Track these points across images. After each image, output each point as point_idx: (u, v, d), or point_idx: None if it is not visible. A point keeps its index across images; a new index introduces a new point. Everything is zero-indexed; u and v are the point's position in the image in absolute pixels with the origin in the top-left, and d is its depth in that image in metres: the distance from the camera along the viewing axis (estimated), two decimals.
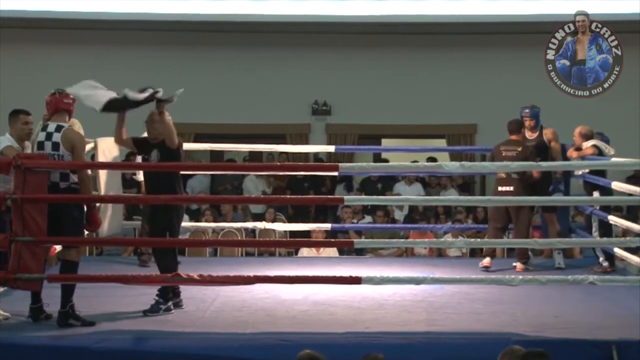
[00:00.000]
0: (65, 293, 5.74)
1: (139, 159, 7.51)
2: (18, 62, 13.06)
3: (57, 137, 5.75)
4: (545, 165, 7.21)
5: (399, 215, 11.64)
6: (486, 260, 7.82)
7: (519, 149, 7.85)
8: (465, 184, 13.01)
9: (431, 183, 12.54)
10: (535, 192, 7.82)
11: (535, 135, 8.10)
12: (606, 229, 7.75)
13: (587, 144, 7.85)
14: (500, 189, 7.85)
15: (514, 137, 8.02)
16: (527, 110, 8.12)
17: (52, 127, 5.81)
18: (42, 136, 5.81)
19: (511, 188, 7.78)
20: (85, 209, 5.94)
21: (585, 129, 7.97)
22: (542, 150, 8.01)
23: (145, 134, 6.81)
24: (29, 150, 5.98)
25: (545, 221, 8.33)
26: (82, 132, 6.75)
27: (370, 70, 13.52)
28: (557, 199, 7.81)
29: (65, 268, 5.87)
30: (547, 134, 8.09)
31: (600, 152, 7.77)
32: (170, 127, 6.24)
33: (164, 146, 6.25)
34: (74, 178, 5.79)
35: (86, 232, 6.28)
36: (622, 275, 7.30)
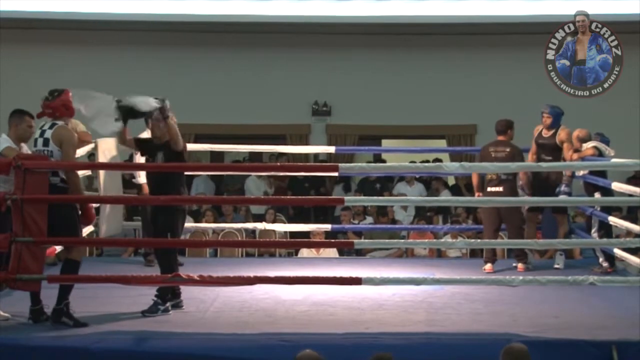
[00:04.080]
0: (63, 291, 5.74)
1: (138, 159, 7.50)
2: (18, 62, 13.06)
3: (48, 133, 5.82)
4: (545, 165, 7.20)
5: (402, 216, 11.59)
6: (488, 267, 7.82)
7: (508, 150, 7.87)
8: (467, 185, 12.96)
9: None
10: (546, 193, 7.81)
11: (550, 134, 8.04)
12: (606, 230, 7.75)
13: (587, 145, 7.84)
14: (490, 189, 7.86)
15: (501, 137, 8.02)
16: (547, 107, 8.01)
17: (47, 125, 5.90)
18: (37, 133, 5.90)
19: (501, 189, 7.79)
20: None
21: (582, 133, 7.94)
22: (553, 150, 7.99)
23: (146, 134, 6.80)
24: (24, 151, 5.98)
25: (549, 222, 8.31)
26: (89, 138, 6.82)
27: (370, 70, 13.51)
28: (557, 199, 7.79)
29: (67, 267, 5.87)
30: (561, 134, 7.97)
31: (600, 153, 7.76)
32: (175, 130, 6.20)
33: (169, 149, 6.20)
34: (63, 174, 5.81)
35: (86, 232, 6.28)
36: (622, 276, 7.30)
